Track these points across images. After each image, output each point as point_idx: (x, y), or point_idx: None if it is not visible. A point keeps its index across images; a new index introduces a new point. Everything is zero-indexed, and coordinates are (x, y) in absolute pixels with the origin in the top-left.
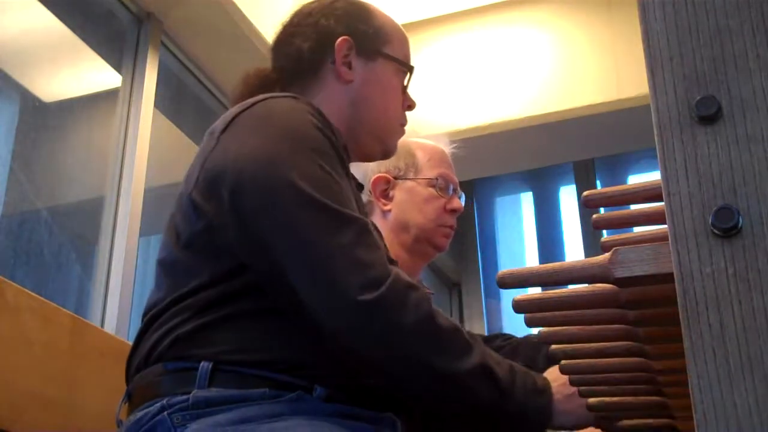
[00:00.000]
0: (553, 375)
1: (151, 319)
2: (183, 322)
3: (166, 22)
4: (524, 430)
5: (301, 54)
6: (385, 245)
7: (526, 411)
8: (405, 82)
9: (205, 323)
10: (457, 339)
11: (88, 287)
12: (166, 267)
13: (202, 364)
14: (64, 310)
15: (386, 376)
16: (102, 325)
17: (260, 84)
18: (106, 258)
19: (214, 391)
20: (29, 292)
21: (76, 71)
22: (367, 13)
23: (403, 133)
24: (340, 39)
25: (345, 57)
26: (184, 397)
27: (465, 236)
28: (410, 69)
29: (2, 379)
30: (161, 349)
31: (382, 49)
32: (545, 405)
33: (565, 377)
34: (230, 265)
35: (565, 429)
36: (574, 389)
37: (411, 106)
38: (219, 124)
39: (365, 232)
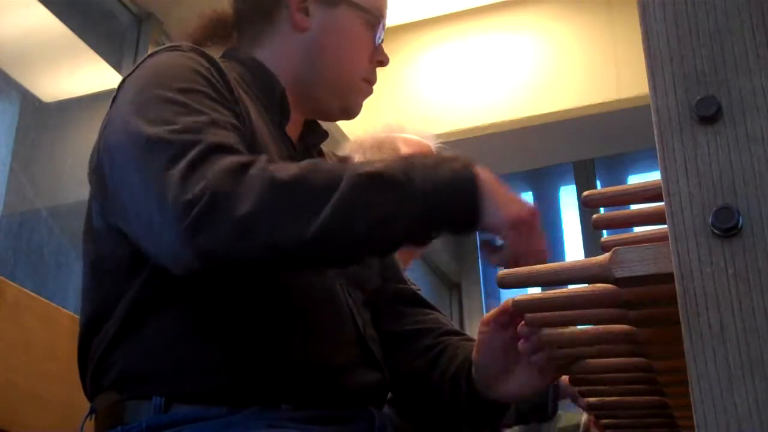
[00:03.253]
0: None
1: (86, 332)
2: (115, 345)
3: (166, 22)
4: (455, 208)
5: None
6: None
7: (441, 182)
8: (375, 34)
9: (143, 350)
10: (311, 182)
11: None
12: (85, 269)
13: (154, 399)
14: (64, 310)
15: (272, 268)
16: None
17: (213, 28)
18: None
19: (167, 415)
20: (29, 292)
21: (76, 71)
22: None
23: (369, 91)
24: None
25: (301, 2)
26: (138, 423)
27: (465, 236)
28: (376, 17)
29: (2, 379)
30: (108, 379)
31: None
32: (466, 165)
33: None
34: (131, 252)
35: (495, 226)
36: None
37: (382, 61)
38: (115, 93)
39: (201, 153)
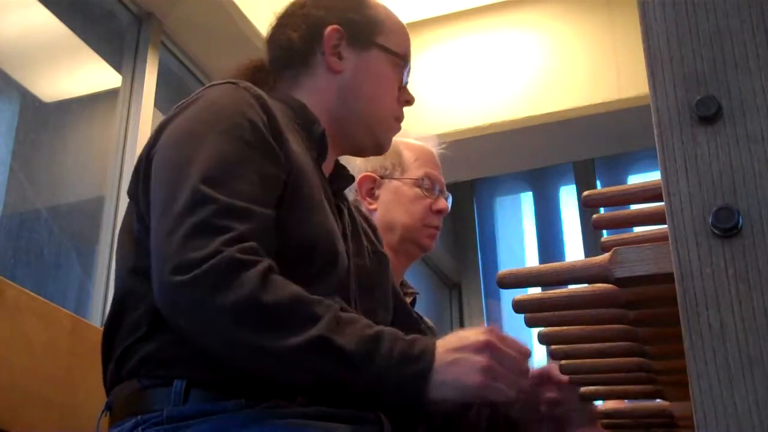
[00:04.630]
0: (449, 341)
1: (112, 327)
2: (145, 337)
3: (166, 22)
4: (394, 401)
5: (291, 44)
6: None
7: (388, 383)
8: (402, 75)
9: (171, 339)
10: (289, 316)
11: (88, 287)
12: (120, 268)
13: (175, 383)
14: (64, 310)
15: (215, 354)
16: (102, 325)
17: (252, 74)
18: (106, 258)
19: (187, 406)
20: (29, 292)
21: (76, 71)
22: (359, 2)
23: (398, 128)
24: (329, 28)
25: (335, 47)
26: (158, 413)
27: (465, 236)
28: (404, 60)
29: (2, 379)
30: (130, 367)
31: (375, 39)
32: (417, 374)
33: (466, 339)
34: None
35: (447, 400)
36: (463, 354)
37: (409, 101)
38: (169, 114)
39: (216, 214)
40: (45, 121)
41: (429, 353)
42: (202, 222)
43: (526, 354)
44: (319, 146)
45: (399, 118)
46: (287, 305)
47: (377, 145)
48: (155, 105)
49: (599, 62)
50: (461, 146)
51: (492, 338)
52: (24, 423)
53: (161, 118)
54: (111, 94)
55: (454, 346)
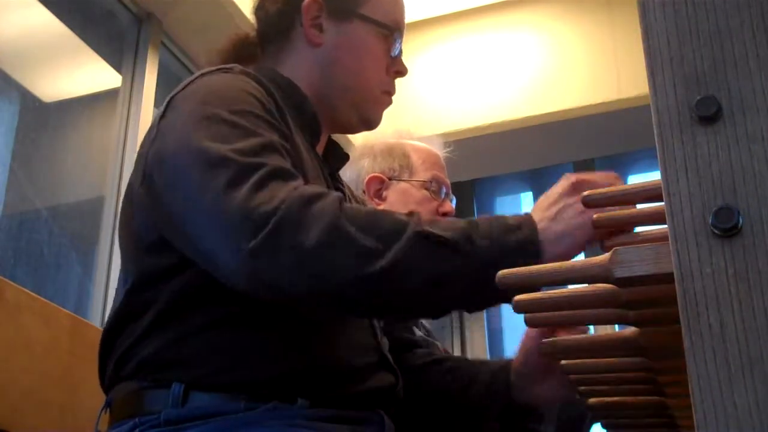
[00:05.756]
0: (539, 203)
1: (112, 329)
2: (144, 338)
3: (166, 22)
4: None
5: (271, 17)
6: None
7: (501, 254)
8: (392, 46)
9: (169, 341)
10: (376, 227)
11: (88, 287)
12: (124, 272)
13: (173, 386)
14: (64, 310)
15: (320, 305)
16: (102, 325)
17: (237, 50)
18: (106, 258)
19: (186, 408)
20: (29, 292)
21: (76, 71)
22: None
23: (388, 101)
24: (307, 0)
25: (314, 19)
26: (156, 415)
27: None
28: (392, 30)
29: (2, 379)
30: (129, 369)
31: (357, 10)
32: (525, 238)
33: (554, 197)
34: (177, 262)
35: (564, 255)
36: (559, 205)
37: (400, 71)
38: (160, 110)
39: (263, 175)
40: (45, 121)
41: (528, 219)
42: (254, 183)
43: (613, 177)
44: (311, 126)
45: (389, 91)
46: (373, 218)
47: (365, 121)
48: (155, 105)
49: (599, 62)
50: (461, 146)
51: (573, 179)
52: (24, 423)
53: None
54: (111, 94)
55: (546, 203)
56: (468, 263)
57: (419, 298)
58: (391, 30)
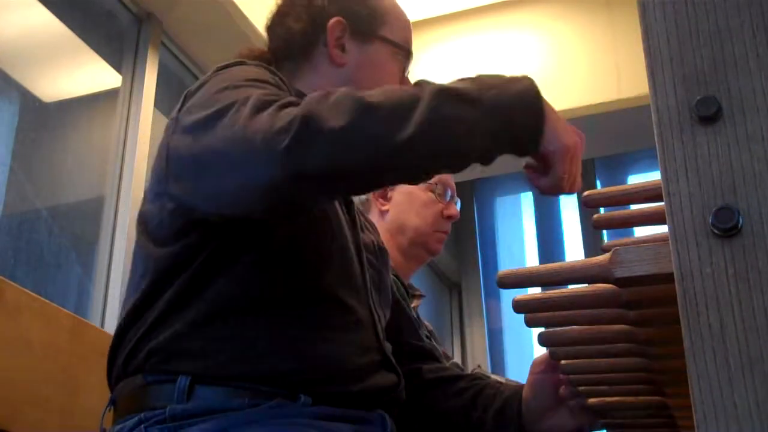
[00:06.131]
0: None
1: (125, 323)
2: (154, 329)
3: (166, 22)
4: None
5: (293, 35)
6: None
7: (508, 100)
8: (404, 65)
9: (178, 332)
10: (396, 96)
11: (88, 287)
12: (134, 268)
13: (179, 378)
14: (64, 310)
15: (367, 182)
16: (102, 325)
17: (252, 60)
18: (106, 258)
19: (191, 404)
20: (29, 292)
21: (76, 71)
22: None
23: None
24: (332, 20)
25: (338, 39)
26: (161, 410)
27: (465, 236)
28: (407, 52)
29: (2, 379)
30: (137, 362)
31: (378, 31)
32: (527, 88)
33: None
34: (191, 251)
35: (558, 123)
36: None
37: None
38: (177, 105)
39: (283, 103)
40: (45, 121)
41: (526, 77)
42: (275, 108)
43: None
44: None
45: None
46: (390, 91)
47: None
48: (155, 105)
49: (599, 62)
50: None
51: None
52: (24, 423)
53: (161, 118)
54: (111, 94)
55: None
56: (486, 110)
57: (451, 151)
58: (406, 51)
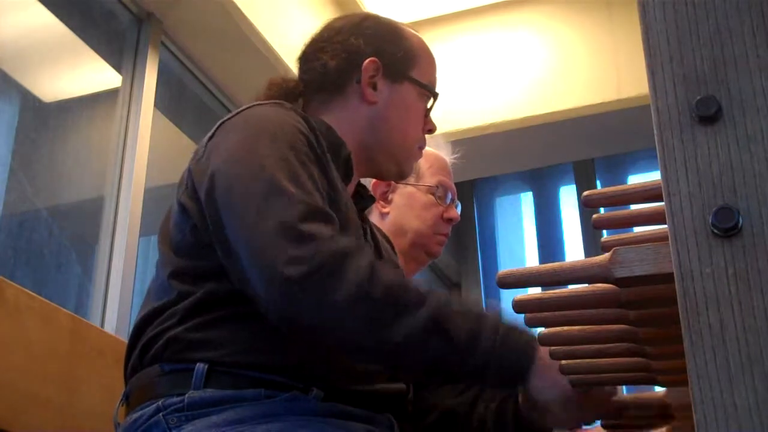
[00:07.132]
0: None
1: (144, 321)
2: (176, 323)
3: (166, 22)
4: (496, 386)
5: (327, 70)
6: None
7: (493, 367)
8: (428, 106)
9: (198, 324)
10: (397, 302)
11: (88, 287)
12: (159, 273)
13: (197, 365)
14: (64, 310)
15: (330, 346)
16: (102, 325)
17: (282, 93)
18: (106, 258)
19: (209, 392)
20: (29, 292)
21: (76, 71)
22: (397, 34)
23: (419, 155)
24: (368, 60)
25: (371, 78)
26: (179, 398)
27: (465, 236)
28: (435, 95)
29: (2, 379)
30: (155, 351)
31: (409, 73)
32: (519, 360)
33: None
34: (214, 266)
35: (536, 400)
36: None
37: (431, 129)
38: (210, 132)
39: (313, 211)
40: (45, 121)
41: (533, 343)
42: (303, 216)
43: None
44: (345, 168)
45: (422, 146)
46: (398, 291)
47: (400, 172)
48: (155, 105)
49: (599, 62)
50: (461, 146)
51: None
52: (24, 423)
53: (161, 118)
54: (111, 94)
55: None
56: (466, 362)
57: (414, 373)
58: (433, 93)
